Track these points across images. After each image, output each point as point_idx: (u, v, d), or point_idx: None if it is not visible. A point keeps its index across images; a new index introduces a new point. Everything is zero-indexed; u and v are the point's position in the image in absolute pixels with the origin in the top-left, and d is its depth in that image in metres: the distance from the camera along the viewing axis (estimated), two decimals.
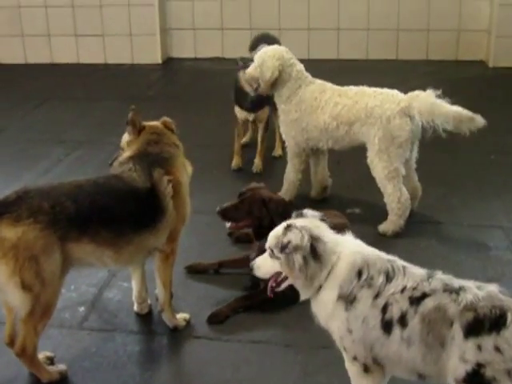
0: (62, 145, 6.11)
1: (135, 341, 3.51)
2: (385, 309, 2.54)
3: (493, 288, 2.47)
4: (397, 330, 2.52)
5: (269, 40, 5.70)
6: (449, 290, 2.48)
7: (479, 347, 2.35)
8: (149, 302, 3.73)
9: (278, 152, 5.79)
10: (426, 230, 4.51)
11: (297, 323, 3.60)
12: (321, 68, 8.15)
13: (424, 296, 2.49)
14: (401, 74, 7.82)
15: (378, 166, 4.42)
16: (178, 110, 6.87)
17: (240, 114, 5.51)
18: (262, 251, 3.81)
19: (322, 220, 2.80)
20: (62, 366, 3.29)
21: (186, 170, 3.55)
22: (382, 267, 2.62)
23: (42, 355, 3.28)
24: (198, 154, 5.61)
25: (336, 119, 4.52)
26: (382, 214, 4.67)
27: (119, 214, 3.20)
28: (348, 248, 2.71)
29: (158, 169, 3.35)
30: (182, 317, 3.60)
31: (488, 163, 5.50)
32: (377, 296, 2.57)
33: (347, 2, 8.39)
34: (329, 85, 4.71)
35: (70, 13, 8.62)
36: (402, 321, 2.50)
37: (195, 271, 4.08)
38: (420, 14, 8.35)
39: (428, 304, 2.47)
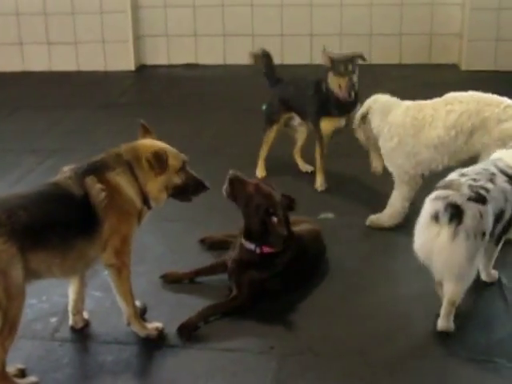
0: (35, 154, 6.06)
1: (107, 351, 3.48)
2: None
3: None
4: None
5: None
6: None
7: None
8: (85, 316, 3.67)
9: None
10: (398, 235, 4.51)
11: (269, 330, 3.60)
12: (295, 73, 8.21)
13: None
14: (375, 78, 7.85)
15: None
16: (151, 117, 6.75)
17: (328, 124, 5.12)
18: (242, 250, 3.79)
19: None
20: (33, 378, 3.25)
21: (131, 189, 3.39)
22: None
23: (13, 368, 3.23)
24: None
25: (454, 128, 4.24)
26: (356, 219, 4.68)
27: (63, 220, 3.18)
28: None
29: (90, 176, 3.29)
30: (153, 326, 3.56)
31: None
32: None
33: (320, 8, 8.40)
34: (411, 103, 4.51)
35: (42, 20, 8.55)
36: None
37: (170, 281, 4.04)
38: (392, 19, 8.40)
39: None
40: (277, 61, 8.43)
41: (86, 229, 3.25)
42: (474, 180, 3.38)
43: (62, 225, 3.18)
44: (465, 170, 3.54)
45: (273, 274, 3.79)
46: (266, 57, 5.57)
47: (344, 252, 4.31)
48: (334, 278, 4.05)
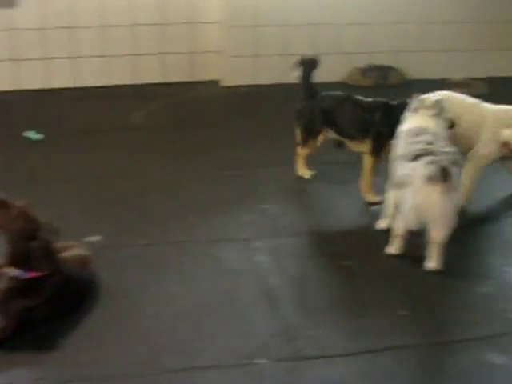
0: None
1: None
2: None
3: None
4: None
5: None
6: None
7: None
8: None
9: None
10: (166, 251, 4.61)
11: (37, 360, 3.52)
12: (58, 97, 8.06)
13: None
14: (142, 98, 7.96)
15: None
16: None
17: None
18: (8, 279, 3.67)
19: None
20: None
21: None
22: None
23: None
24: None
25: None
26: (124, 240, 4.72)
27: None
28: None
29: None
30: None
31: (222, 179, 5.74)
32: None
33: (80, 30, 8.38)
34: None
35: None
36: None
37: None
38: (154, 39, 8.54)
39: None
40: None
41: None
42: (441, 147, 4.28)
43: None
44: (421, 139, 4.35)
45: (43, 300, 3.72)
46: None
47: (113, 274, 4.31)
48: (103, 301, 4.04)
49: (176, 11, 8.52)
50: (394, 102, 5.19)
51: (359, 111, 5.34)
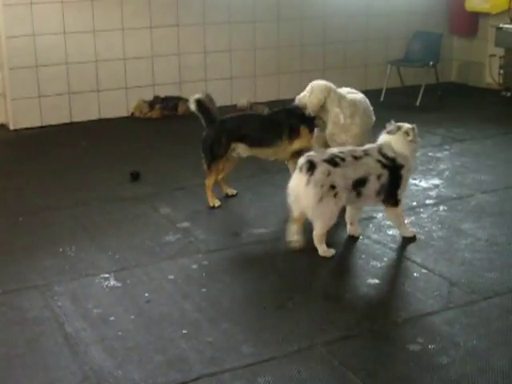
0: None
1: None
2: None
3: None
4: None
5: None
6: None
7: None
8: None
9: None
10: None
11: None
12: None
13: None
14: None
15: None
16: None
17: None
18: None
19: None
20: None
21: None
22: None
23: None
24: None
25: None
26: None
27: None
28: None
29: None
30: None
31: (17, 225, 5.62)
32: None
33: None
34: None
35: None
36: None
37: None
38: None
39: None
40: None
41: None
42: (341, 152, 4.80)
43: None
44: (342, 148, 4.98)
45: None
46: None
47: None
48: None
49: None
50: (288, 107, 6.02)
51: (266, 120, 6.03)
